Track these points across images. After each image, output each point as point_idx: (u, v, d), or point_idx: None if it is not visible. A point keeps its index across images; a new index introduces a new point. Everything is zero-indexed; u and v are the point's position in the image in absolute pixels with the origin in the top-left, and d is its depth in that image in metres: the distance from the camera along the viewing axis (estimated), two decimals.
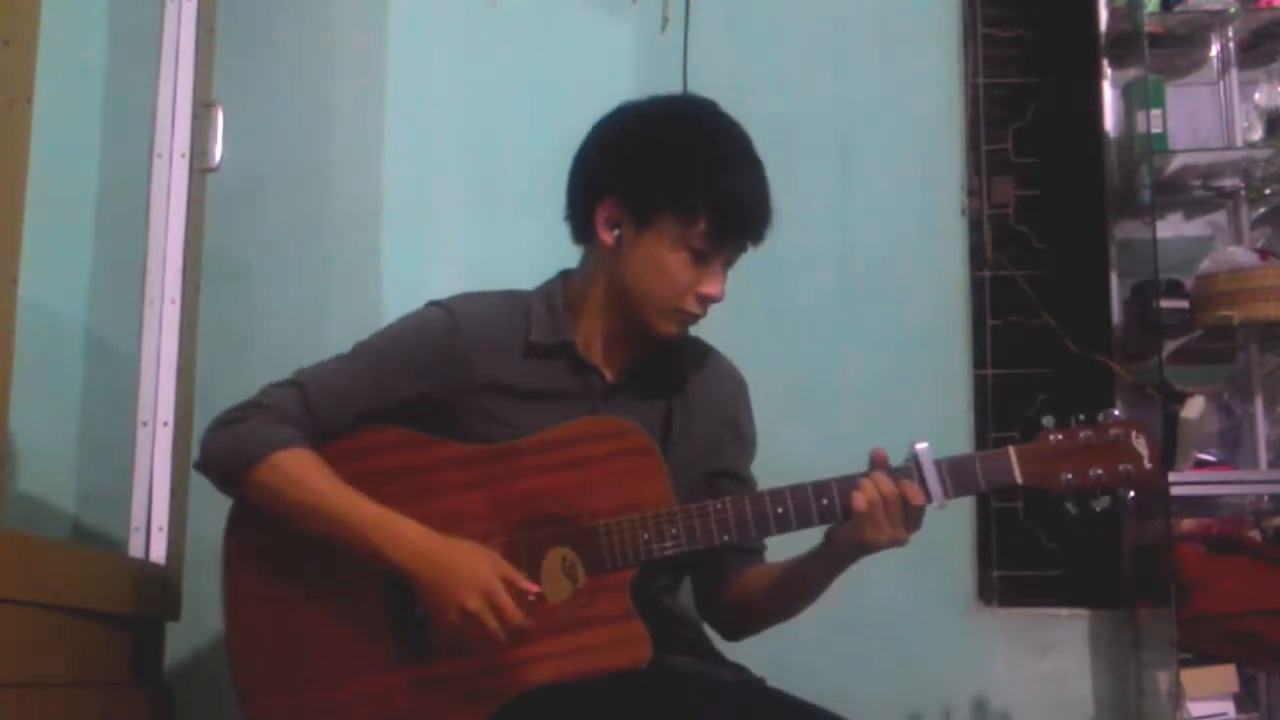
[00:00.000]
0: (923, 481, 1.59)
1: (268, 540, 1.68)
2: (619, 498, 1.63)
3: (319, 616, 1.66)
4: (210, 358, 2.51)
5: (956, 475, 1.60)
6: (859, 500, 1.57)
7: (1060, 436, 1.61)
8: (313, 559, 1.66)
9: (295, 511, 1.63)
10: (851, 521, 1.59)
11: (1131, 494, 1.62)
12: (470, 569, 1.57)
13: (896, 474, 1.59)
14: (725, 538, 1.63)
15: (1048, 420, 1.63)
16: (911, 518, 1.59)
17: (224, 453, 1.66)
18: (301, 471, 1.63)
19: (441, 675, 1.62)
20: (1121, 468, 1.60)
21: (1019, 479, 1.60)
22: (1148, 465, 1.60)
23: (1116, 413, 1.64)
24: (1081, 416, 1.63)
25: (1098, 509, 1.61)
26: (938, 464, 1.60)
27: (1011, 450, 1.61)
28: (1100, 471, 1.60)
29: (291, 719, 1.66)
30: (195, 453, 1.72)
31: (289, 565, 1.67)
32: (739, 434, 1.84)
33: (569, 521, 1.63)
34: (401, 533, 1.59)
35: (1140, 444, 1.61)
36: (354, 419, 1.69)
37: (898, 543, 1.59)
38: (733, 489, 1.76)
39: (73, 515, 2.33)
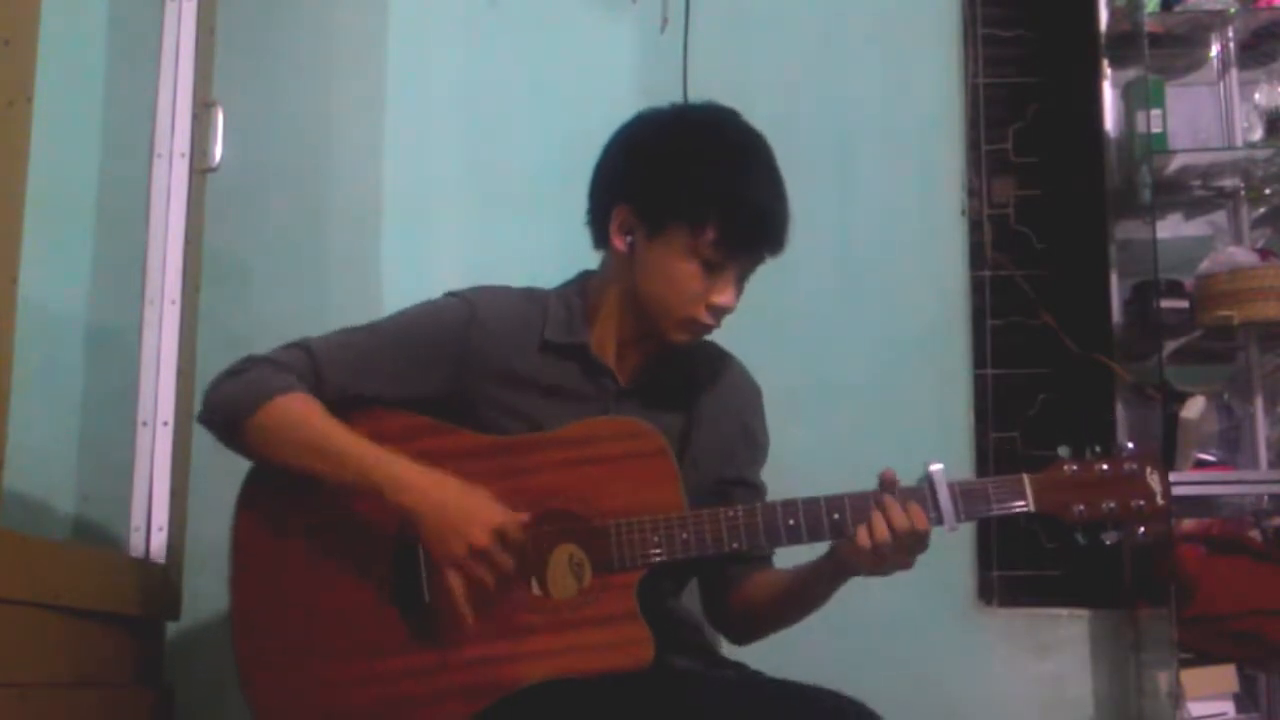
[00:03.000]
0: (936, 504, 1.59)
1: (279, 518, 1.69)
2: (630, 499, 1.63)
3: (326, 596, 1.67)
4: (210, 358, 2.50)
5: (969, 499, 1.60)
6: (863, 537, 1.57)
7: (1075, 467, 1.62)
8: (321, 543, 1.67)
9: (295, 452, 1.62)
10: (856, 550, 1.58)
11: (1142, 530, 1.62)
12: (476, 506, 1.57)
13: (908, 496, 1.59)
14: (735, 545, 1.63)
15: (1063, 450, 1.63)
16: (919, 546, 1.59)
17: (226, 401, 1.67)
18: (304, 414, 1.63)
19: (445, 663, 1.62)
20: (1134, 503, 1.60)
21: (1032, 507, 1.60)
22: (1160, 501, 1.60)
23: (1131, 445, 1.63)
24: (1098, 448, 1.63)
25: (1107, 541, 1.61)
26: (951, 487, 1.60)
27: (1026, 478, 1.61)
28: (1113, 505, 1.60)
29: (294, 702, 1.66)
30: (197, 407, 1.72)
31: (299, 544, 1.68)
32: (752, 442, 1.84)
33: (579, 519, 1.63)
34: (404, 473, 1.59)
35: (1154, 480, 1.61)
36: (361, 395, 1.69)
37: (903, 568, 1.60)
38: (744, 496, 1.76)
39: (73, 515, 2.33)
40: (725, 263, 1.66)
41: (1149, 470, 1.61)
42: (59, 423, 2.31)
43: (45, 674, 1.84)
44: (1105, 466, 1.61)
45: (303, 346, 1.71)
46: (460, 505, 1.57)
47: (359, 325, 1.75)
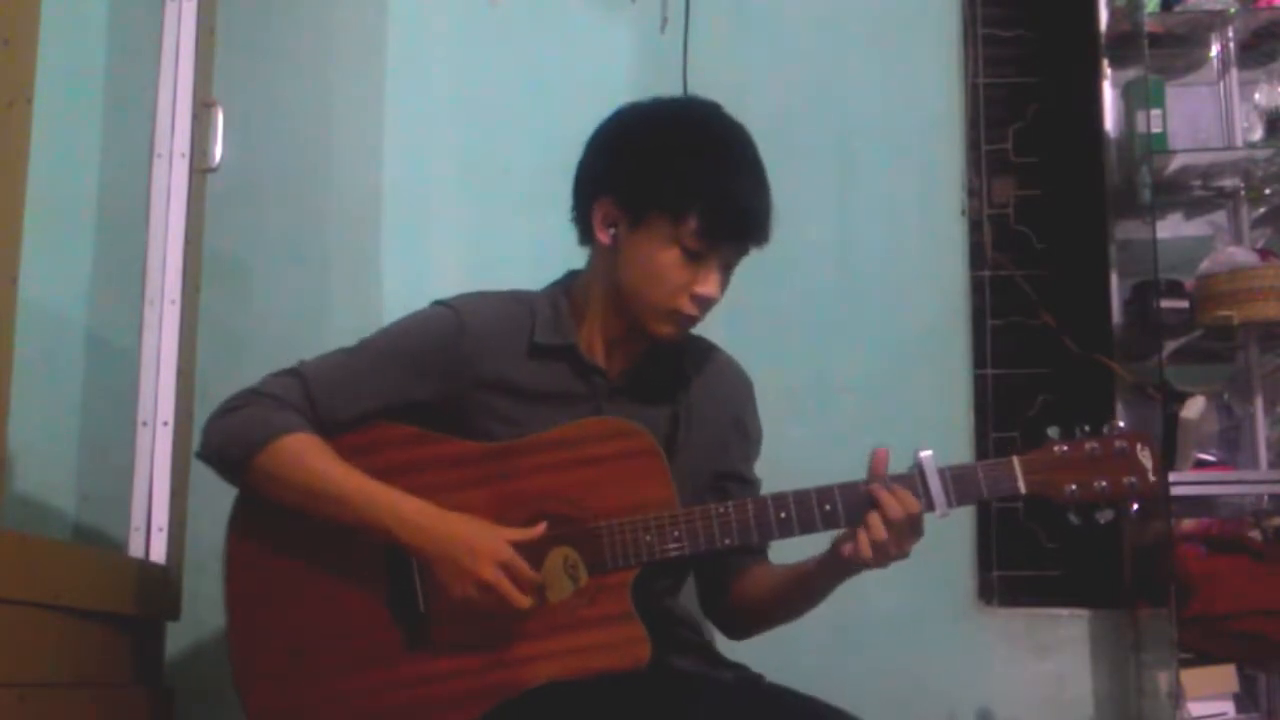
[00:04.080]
0: (926, 490, 1.59)
1: (270, 534, 1.68)
2: (622, 498, 1.63)
3: (320, 610, 1.66)
4: (210, 358, 2.51)
5: (960, 484, 1.60)
6: (864, 543, 1.57)
7: (1065, 447, 1.61)
8: (315, 553, 1.66)
9: (299, 495, 1.63)
10: (856, 545, 1.58)
11: (1135, 506, 1.62)
12: (480, 541, 1.58)
13: (899, 483, 1.59)
14: (727, 541, 1.63)
15: (1053, 430, 1.63)
16: (915, 533, 1.59)
17: (226, 440, 1.66)
18: (304, 454, 1.63)
19: (441, 671, 1.62)
20: (1126, 480, 1.60)
21: (1023, 489, 1.60)
22: (1152, 478, 1.60)
23: (1121, 424, 1.63)
24: (1087, 427, 1.62)
25: (1101, 520, 1.60)
26: (941, 472, 1.60)
27: (1016, 460, 1.61)
28: (1105, 484, 1.59)
29: (291, 712, 1.66)
30: (197, 443, 1.72)
31: (291, 559, 1.68)
32: (745, 435, 1.84)
33: (572, 521, 1.63)
34: (407, 512, 1.60)
35: (1145, 456, 1.60)
36: (355, 416, 1.69)
37: (901, 559, 1.60)
38: (738, 490, 1.77)
39: (73, 515, 2.33)
40: (708, 252, 1.66)
41: (1139, 447, 1.60)
42: (59, 423, 2.32)
43: (45, 674, 1.84)
44: (1095, 445, 1.61)
45: (296, 374, 1.70)
46: (466, 543, 1.58)
47: (349, 346, 1.75)
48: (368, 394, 1.70)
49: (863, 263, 2.73)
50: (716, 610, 1.84)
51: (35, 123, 1.75)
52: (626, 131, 1.72)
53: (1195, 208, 2.71)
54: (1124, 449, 1.61)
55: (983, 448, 2.65)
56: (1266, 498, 2.51)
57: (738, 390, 1.85)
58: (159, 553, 2.30)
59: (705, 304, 1.69)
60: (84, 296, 2.42)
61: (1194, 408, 2.42)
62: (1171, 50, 2.67)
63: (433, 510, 1.60)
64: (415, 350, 1.72)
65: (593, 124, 1.77)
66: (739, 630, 1.84)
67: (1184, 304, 2.50)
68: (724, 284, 1.70)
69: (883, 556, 1.58)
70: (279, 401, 1.67)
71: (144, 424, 2.34)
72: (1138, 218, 2.61)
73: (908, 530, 1.58)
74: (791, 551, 1.74)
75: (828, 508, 1.61)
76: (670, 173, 1.65)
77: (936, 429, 2.64)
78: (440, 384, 1.70)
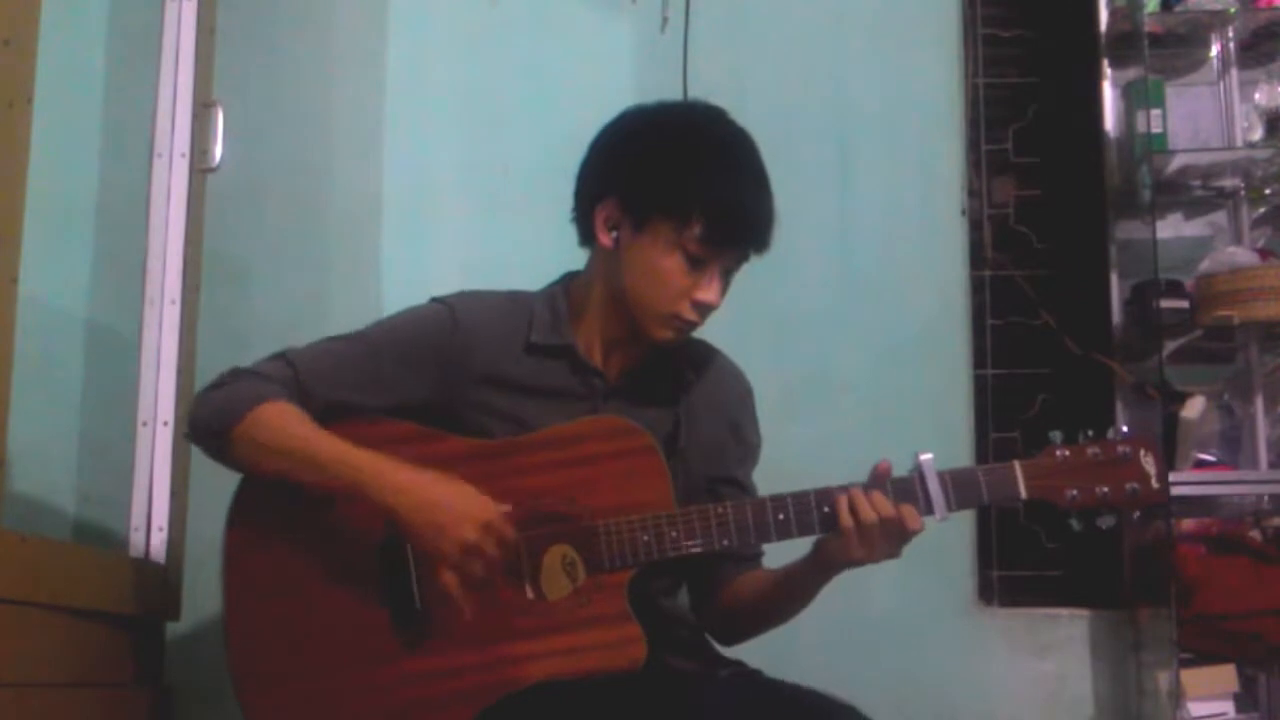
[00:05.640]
0: (926, 493, 1.59)
1: (268, 531, 1.68)
2: (620, 497, 1.63)
3: (318, 608, 1.66)
4: (210, 358, 2.50)
5: (960, 488, 1.60)
6: (845, 520, 1.56)
7: (1067, 452, 1.61)
8: (312, 551, 1.66)
9: (282, 462, 1.61)
10: (841, 537, 1.58)
11: (1137, 514, 1.61)
12: (465, 502, 1.57)
13: (899, 486, 1.59)
14: (725, 542, 1.62)
15: (1055, 434, 1.62)
16: (906, 537, 1.59)
17: (210, 412, 1.66)
18: (286, 421, 1.62)
19: (437, 669, 1.62)
20: (1128, 486, 1.59)
21: (1024, 494, 1.60)
22: (1155, 485, 1.59)
23: (1125, 429, 1.62)
24: (1090, 432, 1.62)
25: (1102, 526, 1.60)
26: (941, 476, 1.60)
27: (1017, 465, 1.61)
28: (1106, 489, 1.59)
29: (288, 709, 1.66)
30: (185, 425, 1.72)
31: (289, 557, 1.67)
32: (741, 439, 1.83)
33: (570, 520, 1.63)
34: (390, 474, 1.58)
35: (1148, 462, 1.60)
36: (339, 400, 1.68)
37: (890, 557, 1.59)
38: (734, 496, 1.76)
39: (73, 515, 2.33)
40: (709, 258, 1.65)
41: (1142, 453, 1.60)
42: (59, 423, 2.31)
43: (45, 674, 1.84)
44: (1097, 450, 1.60)
45: (284, 358, 1.70)
46: (447, 502, 1.57)
47: (342, 334, 1.74)
48: (358, 385, 1.69)
49: (863, 263, 2.73)
50: (707, 616, 1.83)
51: (35, 123, 1.75)
52: (632, 135, 1.72)
53: (1195, 208, 2.71)
54: (1127, 454, 1.60)
55: (982, 448, 2.65)
56: (1266, 498, 2.52)
57: (737, 396, 1.85)
58: (159, 553, 2.30)
59: (705, 310, 1.69)
60: (84, 296, 2.41)
61: (1194, 408, 2.42)
62: (1171, 50, 2.67)
63: (416, 470, 1.58)
64: (408, 345, 1.71)
65: (593, 124, 1.77)
66: (728, 635, 1.83)
67: (1184, 304, 2.50)
68: (724, 290, 1.70)
69: (868, 548, 1.57)
70: (264, 376, 1.67)
71: (144, 424, 2.35)
72: (1138, 218, 2.61)
73: (898, 530, 1.57)
74: (787, 556, 1.74)
75: (826, 510, 1.60)
76: (675, 178, 1.64)
77: (936, 429, 2.64)
78: (432, 380, 1.70)
